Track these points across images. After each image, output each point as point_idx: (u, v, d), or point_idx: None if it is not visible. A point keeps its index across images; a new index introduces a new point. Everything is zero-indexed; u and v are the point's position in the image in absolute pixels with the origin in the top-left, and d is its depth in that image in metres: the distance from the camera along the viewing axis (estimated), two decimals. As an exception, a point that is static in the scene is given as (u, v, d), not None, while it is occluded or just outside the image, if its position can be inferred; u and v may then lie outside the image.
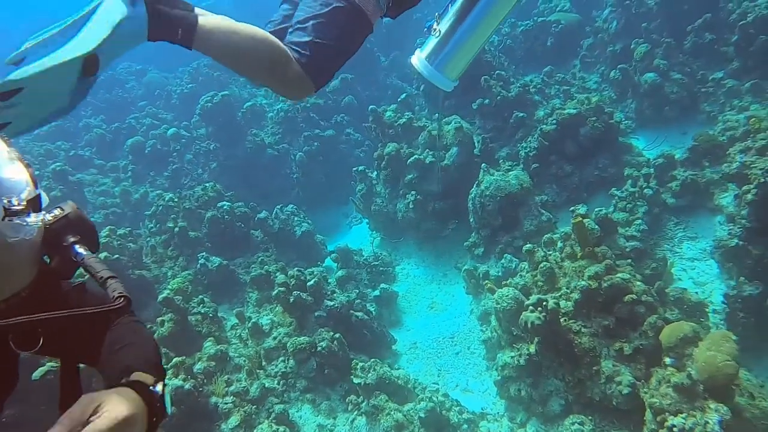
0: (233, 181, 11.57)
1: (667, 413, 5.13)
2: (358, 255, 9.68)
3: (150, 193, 11.21)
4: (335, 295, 8.19)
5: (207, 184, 9.74)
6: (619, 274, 6.19)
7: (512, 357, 6.71)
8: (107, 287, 1.38)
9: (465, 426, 6.76)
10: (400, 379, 7.29)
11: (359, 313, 8.20)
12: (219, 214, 9.20)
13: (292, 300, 7.81)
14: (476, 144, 10.03)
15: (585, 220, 7.25)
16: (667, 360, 5.37)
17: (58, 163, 11.40)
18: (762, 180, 6.69)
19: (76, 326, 1.53)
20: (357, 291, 9.06)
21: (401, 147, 9.55)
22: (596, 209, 7.52)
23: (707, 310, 6.61)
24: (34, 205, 1.29)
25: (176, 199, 9.37)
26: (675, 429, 5.00)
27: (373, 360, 7.34)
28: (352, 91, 12.91)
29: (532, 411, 6.65)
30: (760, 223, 6.96)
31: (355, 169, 10.39)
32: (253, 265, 9.22)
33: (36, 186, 1.32)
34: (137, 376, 1.43)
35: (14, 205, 1.23)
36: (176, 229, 9.06)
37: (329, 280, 9.16)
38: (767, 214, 6.82)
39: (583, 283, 6.18)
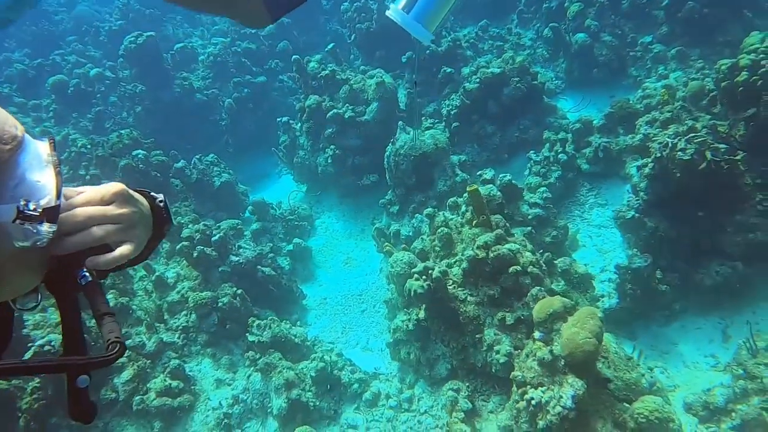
0: (159, 126, 11.22)
1: (528, 386, 5.27)
2: (276, 208, 9.58)
3: (71, 136, 10.84)
4: (241, 250, 8.13)
5: (123, 131, 9.42)
6: (506, 245, 6.21)
7: (403, 321, 6.78)
8: (102, 326, 1.29)
9: (356, 385, 6.88)
10: (297, 337, 7.35)
11: (266, 269, 8.18)
12: (133, 163, 8.95)
13: (195, 255, 7.73)
14: (401, 99, 9.87)
15: (485, 186, 7.29)
16: (536, 334, 5.47)
17: (-26, 101, 10.89)
18: (658, 155, 6.72)
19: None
20: (271, 245, 9.02)
21: (323, 100, 9.32)
22: (501, 175, 7.51)
23: (593, 281, 6.72)
24: (50, 215, 1.21)
25: (89, 146, 9.07)
26: (533, 401, 5.15)
27: (270, 318, 7.37)
28: (288, 36, 12.47)
29: (421, 373, 6.79)
30: (656, 197, 7.03)
31: (279, 119, 10.15)
32: (167, 216, 9.06)
33: (59, 197, 1.25)
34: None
35: (29, 210, 1.17)
36: (87, 176, 8.81)
37: (245, 233, 9.12)
38: (663, 188, 6.90)
39: (470, 252, 6.20)
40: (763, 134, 6.72)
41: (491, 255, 6.15)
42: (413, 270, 6.30)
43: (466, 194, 7.81)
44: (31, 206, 1.18)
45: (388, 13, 2.99)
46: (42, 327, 6.94)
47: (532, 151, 8.77)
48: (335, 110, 9.05)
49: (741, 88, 6.72)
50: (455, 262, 6.60)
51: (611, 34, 9.70)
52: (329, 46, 10.15)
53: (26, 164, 1.23)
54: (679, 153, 6.58)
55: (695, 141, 6.61)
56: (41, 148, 1.29)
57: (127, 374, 6.92)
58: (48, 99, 11.94)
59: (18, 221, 1.17)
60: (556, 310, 5.44)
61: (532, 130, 9.14)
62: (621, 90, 9.69)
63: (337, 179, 9.61)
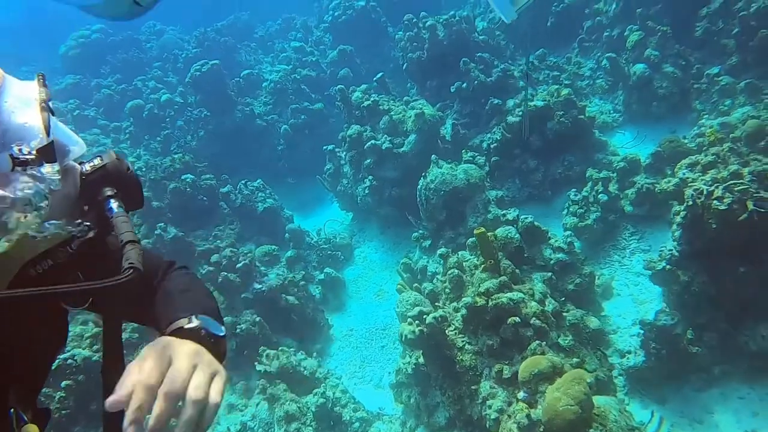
0: (220, 149, 11.73)
1: (505, 450, 4.94)
2: (315, 236, 9.69)
3: (142, 157, 11.58)
4: (266, 278, 8.27)
5: (176, 155, 9.92)
6: (508, 294, 5.87)
7: (405, 363, 6.59)
8: (123, 253, 1.30)
9: (357, 424, 6.76)
10: (306, 369, 7.34)
11: (291, 297, 8.25)
12: (181, 186, 9.39)
13: (219, 280, 7.95)
14: (447, 130, 9.68)
15: (503, 228, 6.95)
16: (520, 394, 5.12)
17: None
18: (690, 203, 6.11)
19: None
20: (303, 272, 9.12)
21: (364, 130, 9.34)
22: (522, 216, 7.14)
23: (607, 337, 6.20)
24: (47, 154, 1.21)
25: (144, 168, 9.64)
26: (506, 468, 4.82)
27: (280, 348, 7.40)
28: (350, 64, 12.65)
29: (421, 420, 6.55)
30: (691, 248, 6.39)
31: (324, 147, 10.29)
32: (210, 238, 9.43)
33: (48, 133, 1.23)
34: (179, 323, 1.41)
35: (23, 154, 1.16)
36: (139, 198, 9.32)
37: (281, 259, 9.29)
38: (698, 239, 6.26)
39: (469, 299, 5.92)
40: (822, 183, 5.95)
41: (491, 303, 5.84)
42: (408, 314, 6.10)
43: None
44: (25, 150, 1.16)
45: None
46: (72, 340, 7.39)
47: (573, 190, 8.28)
48: (373, 141, 9.03)
49: (798, 131, 6.01)
50: (458, 307, 6.34)
51: (674, 65, 9.00)
52: (378, 76, 10.18)
53: (10, 107, 1.20)
54: (715, 201, 5.95)
55: (736, 189, 5.95)
56: (27, 89, 1.27)
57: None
58: (127, 122, 12.86)
59: (18, 168, 1.15)
60: (541, 371, 5.06)
61: (578, 166, 8.63)
62: (684, 125, 8.96)
63: (376, 210, 9.56)
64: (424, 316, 5.95)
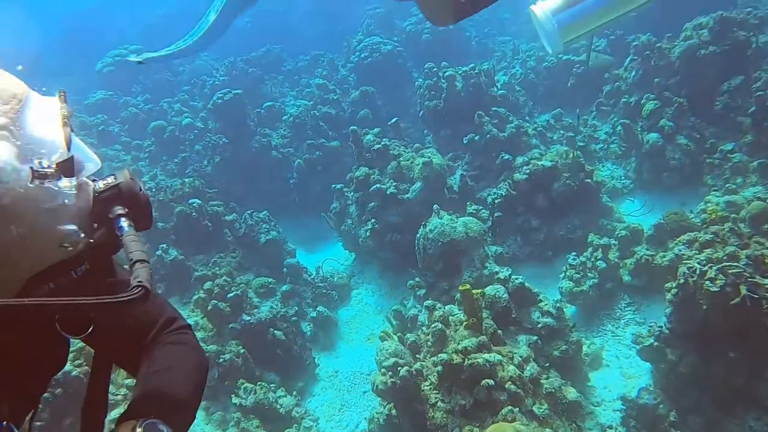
0: (234, 177, 11.88)
1: None
2: (313, 272, 9.71)
3: (158, 176, 11.81)
4: (256, 310, 8.27)
5: (186, 180, 10.10)
6: (485, 355, 5.78)
7: (378, 413, 6.49)
8: (132, 272, 1.31)
9: (324, 472, 6.65)
10: (282, 407, 7.27)
11: (278, 332, 8.22)
12: (188, 210, 9.52)
13: (209, 308, 7.98)
14: (456, 180, 9.70)
15: (493, 287, 6.88)
16: (482, 460, 5.00)
17: (89, 138, 12.15)
18: (682, 281, 5.98)
19: (122, 319, 1.55)
20: (297, 308, 9.10)
21: (372, 173, 9.40)
22: (513, 277, 7.07)
23: (583, 410, 6.03)
24: (66, 168, 1.25)
25: (154, 190, 9.81)
26: None
27: (259, 384, 7.35)
28: (371, 105, 12.82)
29: (390, 473, 6.42)
30: (680, 326, 6.23)
31: (333, 185, 10.37)
32: (209, 264, 9.50)
33: (69, 148, 1.28)
34: (127, 427, 1.40)
35: (43, 168, 1.20)
36: (146, 218, 9.47)
37: (277, 292, 9.29)
38: (689, 319, 6.11)
39: (445, 356, 5.84)
40: (821, 275, 5.79)
41: (467, 362, 5.75)
42: (383, 364, 6.03)
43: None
44: (45, 163, 1.19)
45: (534, 8, 3.01)
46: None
47: (573, 253, 8.18)
48: (379, 185, 9.08)
49: (796, 219, 5.88)
50: (435, 362, 6.24)
51: (688, 137, 8.93)
52: (392, 120, 10.29)
53: (32, 122, 1.23)
54: (707, 282, 5.82)
55: (730, 272, 5.82)
56: (49, 104, 1.32)
57: (116, 412, 7.19)
58: (148, 141, 13.16)
59: (36, 181, 1.18)
60: (506, 439, 4.94)
61: (581, 230, 8.54)
62: (694, 198, 8.82)
63: (376, 253, 9.56)
64: (399, 368, 5.87)
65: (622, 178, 9.71)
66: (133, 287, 1.25)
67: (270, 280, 9.28)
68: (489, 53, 14.85)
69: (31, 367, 1.47)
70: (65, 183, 1.22)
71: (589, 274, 7.84)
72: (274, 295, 9.23)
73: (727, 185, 8.34)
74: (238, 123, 12.06)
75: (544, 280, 8.71)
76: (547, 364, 6.68)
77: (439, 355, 5.94)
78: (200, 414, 7.67)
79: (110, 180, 1.41)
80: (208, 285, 8.23)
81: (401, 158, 9.27)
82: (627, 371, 7.17)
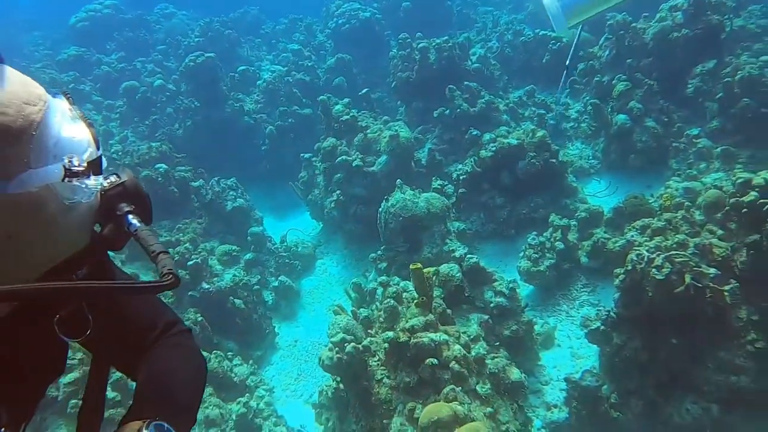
0: (206, 142, 11.74)
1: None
2: (279, 241, 9.73)
3: (129, 138, 11.67)
4: (216, 279, 8.29)
5: (153, 144, 9.98)
6: (431, 335, 5.84)
7: (327, 386, 6.59)
8: (158, 262, 1.35)
9: (274, 440, 6.77)
10: (237, 376, 7.35)
11: (238, 301, 8.27)
12: (153, 175, 9.44)
13: (169, 276, 7.97)
14: (424, 154, 9.67)
15: (447, 265, 6.93)
16: (419, 439, 5.10)
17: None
18: (630, 267, 6.05)
19: (121, 321, 1.63)
20: (259, 277, 9.13)
21: (340, 144, 9.34)
22: (468, 256, 7.11)
23: (525, 390, 6.14)
24: (95, 167, 1.30)
25: (120, 154, 9.70)
26: None
27: (214, 352, 7.42)
28: (346, 74, 12.64)
29: (337, 445, 6.55)
30: (627, 311, 6.33)
31: (301, 155, 10.30)
32: (173, 230, 9.47)
33: (98, 147, 1.35)
34: (123, 430, 1.43)
35: (75, 166, 1.23)
36: (110, 181, 9.39)
37: (240, 260, 9.31)
38: (636, 304, 6.20)
39: (391, 334, 5.90)
40: (765, 266, 5.87)
41: (413, 341, 5.82)
42: (331, 339, 6.09)
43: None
44: (75, 162, 1.23)
45: None
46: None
47: (533, 233, 8.22)
48: (345, 157, 9.03)
49: (745, 209, 5.92)
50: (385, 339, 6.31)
51: (656, 120, 8.92)
52: (363, 91, 10.18)
53: (57, 122, 1.26)
54: (653, 270, 5.89)
55: (676, 260, 5.89)
56: (64, 105, 1.33)
57: (72, 376, 7.22)
58: (120, 101, 12.94)
59: (66, 179, 1.21)
60: (441, 419, 5.03)
61: (544, 209, 8.57)
62: (660, 181, 8.85)
63: (342, 224, 9.57)
64: (345, 344, 5.94)
65: (590, 158, 9.71)
66: (165, 275, 1.30)
67: (234, 247, 9.29)
68: (470, 24, 14.63)
69: (30, 373, 1.48)
70: (92, 181, 1.26)
71: (548, 255, 7.90)
72: (238, 263, 9.25)
73: (688, 171, 8.38)
74: (211, 87, 11.87)
75: (505, 258, 8.79)
76: (498, 344, 6.79)
77: (387, 333, 6.00)
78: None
79: (114, 179, 1.44)
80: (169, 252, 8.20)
81: (368, 130, 9.20)
82: (577, 352, 7.30)
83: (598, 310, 6.68)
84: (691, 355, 6.00)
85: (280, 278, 9.04)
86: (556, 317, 7.77)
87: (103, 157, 1.38)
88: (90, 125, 1.34)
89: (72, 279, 1.37)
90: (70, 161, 1.21)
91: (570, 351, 7.35)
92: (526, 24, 13.60)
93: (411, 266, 6.26)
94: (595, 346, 7.07)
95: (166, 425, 1.43)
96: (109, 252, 1.54)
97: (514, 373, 6.07)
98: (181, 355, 1.74)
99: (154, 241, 1.38)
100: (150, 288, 1.30)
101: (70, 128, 1.28)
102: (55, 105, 1.28)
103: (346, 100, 9.74)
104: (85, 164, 1.24)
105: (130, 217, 1.40)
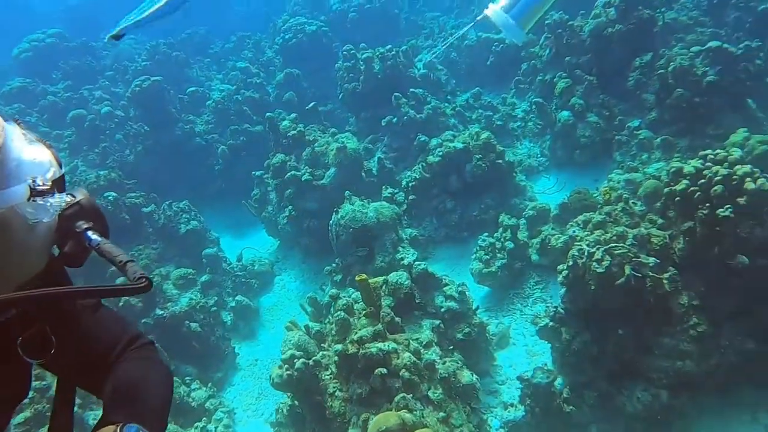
0: (158, 165, 11.64)
1: None
2: (229, 261, 9.67)
3: (79, 167, 11.50)
4: (170, 303, 8.21)
5: (101, 172, 9.86)
6: (378, 344, 5.85)
7: (282, 403, 6.56)
8: (127, 271, 1.37)
9: (230, 463, 6.71)
10: (194, 400, 7.28)
11: (194, 324, 8.19)
12: (103, 204, 9.31)
13: (120, 304, 7.89)
14: (374, 164, 9.71)
15: (396, 273, 6.96)
16: (369, 450, 5.10)
17: None
18: (571, 262, 6.14)
19: (85, 339, 1.62)
20: (216, 298, 9.06)
21: (288, 159, 9.34)
22: (415, 262, 7.15)
23: (477, 392, 6.19)
24: (59, 185, 1.31)
25: (68, 184, 9.53)
26: None
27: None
28: (296, 88, 12.65)
29: (295, 462, 6.51)
30: (573, 306, 6.42)
31: (253, 172, 10.27)
32: (126, 258, 9.33)
33: (60, 166, 1.36)
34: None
35: (39, 185, 1.24)
36: (58, 212, 9.26)
37: (197, 283, 9.22)
38: (580, 298, 6.29)
39: (340, 347, 5.91)
40: (701, 252, 6.01)
41: (361, 352, 5.83)
42: (282, 356, 6.08)
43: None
44: (39, 181, 1.24)
45: (486, 11, 3.20)
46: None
47: (485, 234, 8.30)
48: (294, 172, 9.03)
49: (678, 198, 6.06)
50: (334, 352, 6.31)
51: (598, 115, 9.09)
52: (310, 105, 10.20)
53: (17, 146, 1.27)
54: (594, 264, 5.99)
55: (615, 252, 6.00)
56: (17, 130, 1.33)
57: (23, 416, 7.08)
58: (69, 131, 12.75)
59: (32, 199, 1.22)
60: (389, 428, 5.04)
61: (494, 210, 8.66)
62: (606, 174, 9.00)
63: (297, 239, 9.55)
64: (295, 361, 5.93)
65: (539, 156, 9.85)
66: (138, 278, 1.33)
67: (190, 270, 9.21)
68: (418, 30, 14.77)
69: None
70: (56, 199, 1.27)
71: (499, 255, 7.98)
72: (194, 286, 9.17)
73: (630, 163, 8.54)
74: (159, 110, 11.77)
75: (460, 261, 8.85)
76: (451, 347, 6.83)
77: (335, 346, 6.01)
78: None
79: (69, 198, 1.44)
80: (119, 281, 8.11)
81: (316, 144, 9.21)
82: (532, 349, 7.37)
83: (546, 306, 6.75)
84: (638, 344, 6.11)
85: (236, 298, 8.98)
86: (511, 316, 7.84)
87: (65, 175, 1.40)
88: (49, 146, 1.37)
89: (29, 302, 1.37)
90: (34, 181, 1.23)
91: (525, 349, 7.43)
92: (473, 28, 13.77)
93: (356, 278, 6.29)
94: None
95: (139, 427, 1.45)
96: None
97: (465, 376, 6.11)
98: (147, 366, 1.75)
99: (119, 252, 1.41)
100: (126, 290, 1.32)
101: (30, 150, 1.30)
102: (11, 129, 1.30)
103: (293, 115, 9.76)
104: (50, 183, 1.25)
105: (90, 233, 1.42)
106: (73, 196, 1.46)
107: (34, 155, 1.30)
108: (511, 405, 6.70)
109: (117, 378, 1.65)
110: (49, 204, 1.25)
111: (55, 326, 1.46)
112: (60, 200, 1.29)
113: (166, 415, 1.69)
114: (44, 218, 1.26)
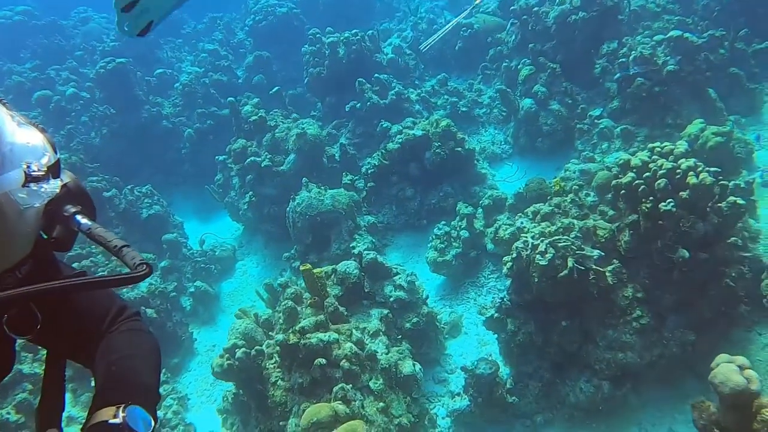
0: (125, 148, 11.50)
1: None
2: (189, 246, 9.64)
3: (44, 149, 11.32)
4: (126, 290, 8.18)
5: (61, 156, 9.75)
6: (319, 335, 5.86)
7: (227, 391, 6.58)
8: (123, 256, 1.36)
9: (181, 450, 6.74)
10: (145, 388, 7.28)
11: (150, 310, 8.18)
12: (62, 187, 9.23)
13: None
14: (337, 149, 9.64)
15: (344, 263, 6.95)
16: (303, 440, 5.13)
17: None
18: (515, 254, 6.14)
19: (74, 312, 1.59)
20: (176, 283, 9.04)
21: (249, 144, 9.26)
22: (365, 251, 7.14)
23: (418, 383, 6.20)
24: (54, 170, 1.28)
25: (26, 166, 9.44)
26: None
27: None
28: (266, 71, 12.50)
29: (240, 450, 6.55)
30: (518, 297, 6.44)
31: (216, 157, 10.19)
32: (86, 243, 9.29)
33: (55, 151, 1.32)
34: (104, 414, 1.42)
35: (34, 171, 1.21)
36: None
37: (157, 268, 9.19)
38: (525, 290, 6.31)
39: (281, 336, 5.91)
40: (645, 246, 6.01)
41: (302, 342, 5.83)
42: (225, 346, 6.08)
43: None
44: (34, 167, 1.20)
45: None
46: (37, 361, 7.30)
47: (442, 222, 8.28)
48: (254, 158, 8.96)
49: (623, 191, 6.05)
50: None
51: (560, 103, 9.04)
52: (274, 90, 10.09)
53: (9, 130, 1.23)
54: (537, 256, 5.99)
55: (559, 245, 5.99)
56: (5, 111, 1.29)
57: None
58: (34, 112, 12.57)
59: (26, 184, 1.18)
60: (320, 420, 5.08)
61: (453, 198, 8.63)
62: (566, 163, 9.01)
63: (258, 225, 9.51)
64: (236, 350, 5.93)
65: (503, 143, 9.80)
66: (138, 265, 1.32)
67: (150, 255, 9.16)
68: (392, 13, 14.59)
69: None
70: (51, 185, 1.24)
71: (454, 244, 7.97)
72: (155, 271, 9.13)
73: (587, 153, 8.52)
74: (125, 92, 11.60)
75: (418, 249, 8.84)
76: (399, 336, 6.85)
77: (277, 336, 6.01)
78: (68, 396, 7.63)
79: (61, 183, 1.41)
80: (75, 266, 8.06)
81: (277, 130, 9.13)
82: (483, 338, 7.38)
83: (492, 298, 6.76)
84: (582, 336, 6.14)
85: (196, 283, 8.95)
86: (465, 305, 7.85)
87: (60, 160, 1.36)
88: (42, 130, 1.33)
89: (15, 278, 1.34)
90: (28, 166, 1.19)
91: (477, 338, 7.45)
92: (447, 10, 13.63)
93: (300, 267, 6.28)
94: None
95: (137, 408, 1.45)
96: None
97: (407, 367, 6.13)
98: (136, 339, 1.74)
99: (113, 237, 1.40)
100: (129, 279, 1.31)
101: (22, 134, 1.26)
102: (2, 113, 1.26)
103: (256, 100, 9.66)
104: (45, 169, 1.23)
105: (78, 217, 1.42)
106: (62, 180, 1.43)
107: (27, 139, 1.26)
108: (458, 394, 6.73)
109: (108, 357, 1.63)
110: (42, 190, 1.22)
111: (41, 303, 1.44)
112: (54, 186, 1.26)
113: (158, 385, 1.69)
114: (36, 204, 1.23)
